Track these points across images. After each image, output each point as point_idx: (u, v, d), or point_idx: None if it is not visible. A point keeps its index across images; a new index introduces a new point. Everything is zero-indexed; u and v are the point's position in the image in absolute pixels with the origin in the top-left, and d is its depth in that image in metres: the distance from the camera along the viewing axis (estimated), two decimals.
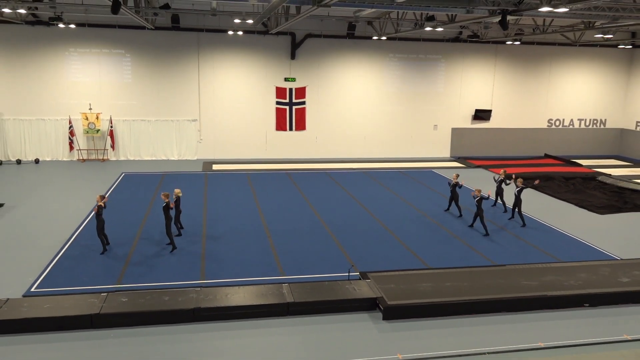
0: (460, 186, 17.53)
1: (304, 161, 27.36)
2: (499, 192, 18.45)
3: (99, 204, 13.10)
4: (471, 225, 16.41)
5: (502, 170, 18.92)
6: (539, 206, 19.42)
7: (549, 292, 11.35)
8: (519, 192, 16.72)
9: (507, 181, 17.93)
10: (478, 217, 15.91)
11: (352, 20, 25.60)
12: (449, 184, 17.87)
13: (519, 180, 17.00)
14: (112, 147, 26.06)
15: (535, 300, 11.15)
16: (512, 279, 12.02)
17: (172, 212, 14.04)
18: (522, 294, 11.25)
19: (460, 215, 17.60)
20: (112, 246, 13.83)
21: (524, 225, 16.70)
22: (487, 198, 15.91)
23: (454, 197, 17.71)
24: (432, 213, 18.12)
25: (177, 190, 14.82)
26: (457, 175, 17.88)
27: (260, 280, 11.91)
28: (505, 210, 18.28)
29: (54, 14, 22.54)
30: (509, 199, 18.35)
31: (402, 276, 12.00)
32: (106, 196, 14.18)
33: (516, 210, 16.99)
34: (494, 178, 19.03)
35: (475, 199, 15.71)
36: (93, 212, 13.45)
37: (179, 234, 14.81)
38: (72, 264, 12.61)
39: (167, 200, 13.43)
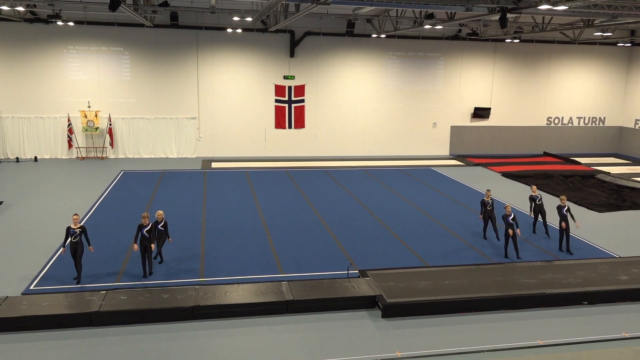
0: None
1: (303, 159, 27.34)
2: (541, 212, 15.53)
3: (82, 226, 11.56)
4: (506, 255, 13.75)
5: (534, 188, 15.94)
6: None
7: (548, 290, 11.36)
8: (567, 211, 14.13)
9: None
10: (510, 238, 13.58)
11: (351, 18, 25.57)
12: (486, 204, 14.94)
13: (562, 198, 14.42)
14: (111, 145, 26.03)
15: (534, 298, 11.15)
16: (511, 277, 12.03)
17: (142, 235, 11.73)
18: (521, 292, 11.25)
19: (498, 238, 14.69)
20: (111, 244, 13.81)
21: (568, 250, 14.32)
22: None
23: (491, 218, 14.89)
24: (431, 211, 18.12)
25: (159, 213, 12.40)
26: (490, 192, 15.28)
27: (260, 278, 11.90)
28: (547, 233, 15.52)
29: (52, 12, 22.49)
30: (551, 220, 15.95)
31: (401, 274, 12.01)
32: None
33: (564, 231, 14.26)
34: (532, 198, 15.60)
35: (509, 217, 13.39)
36: (74, 238, 11.37)
37: (161, 261, 12.72)
38: (71, 262, 12.55)
39: (148, 222, 11.66)
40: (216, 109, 27.00)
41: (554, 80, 30.85)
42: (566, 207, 14.20)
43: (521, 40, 28.91)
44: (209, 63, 26.54)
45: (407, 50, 28.65)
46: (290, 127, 27.99)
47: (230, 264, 12.81)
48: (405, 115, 29.28)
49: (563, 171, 25.18)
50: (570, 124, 31.66)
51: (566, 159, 28.68)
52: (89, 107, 25.36)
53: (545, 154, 30.66)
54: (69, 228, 11.51)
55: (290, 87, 27.60)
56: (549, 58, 30.41)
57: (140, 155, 26.58)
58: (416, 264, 13.12)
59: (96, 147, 26.03)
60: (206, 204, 18.23)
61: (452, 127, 29.98)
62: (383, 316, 10.48)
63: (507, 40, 28.75)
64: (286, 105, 27.75)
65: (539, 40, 29.69)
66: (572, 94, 31.25)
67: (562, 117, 31.48)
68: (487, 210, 14.92)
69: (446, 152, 30.14)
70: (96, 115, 25.22)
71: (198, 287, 11.01)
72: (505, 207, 13.75)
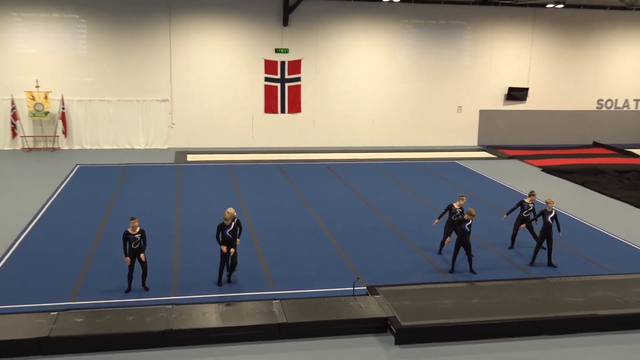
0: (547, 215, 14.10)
1: (299, 151, 27.37)
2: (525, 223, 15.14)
3: (141, 229, 11.81)
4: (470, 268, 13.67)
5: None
6: (584, 205, 19.42)
7: (599, 311, 11.35)
8: (554, 218, 13.96)
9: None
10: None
11: None
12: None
13: (549, 201, 14.09)
14: (64, 133, 26.05)
15: (581, 321, 11.15)
16: (552, 295, 12.02)
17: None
18: (565, 314, 11.25)
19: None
20: (66, 255, 13.77)
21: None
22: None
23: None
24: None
25: (229, 211, 12.89)
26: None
27: (246, 296, 11.90)
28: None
29: None
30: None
31: (418, 291, 12.01)
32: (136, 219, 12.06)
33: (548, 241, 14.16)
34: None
35: (466, 223, 13.34)
36: (134, 245, 11.68)
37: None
38: (15, 277, 12.57)
39: (230, 222, 12.65)
40: (193, 90, 27.00)
41: (606, 55, 30.84)
42: (552, 214, 13.88)
43: (566, 6, 28.88)
44: (184, 33, 26.52)
45: (426, 18, 28.63)
46: (283, 111, 28.01)
47: (209, 278, 12.79)
48: (423, 97, 29.28)
49: (617, 165, 25.20)
50: (626, 108, 31.68)
51: (620, 151, 28.70)
52: (37, 87, 25.33)
53: (595, 145, 30.68)
54: (127, 233, 11.68)
55: (283, 63, 27.59)
56: (600, 27, 30.38)
57: (99, 146, 26.59)
58: (437, 279, 13.12)
59: (46, 136, 26.03)
60: (180, 205, 18.22)
61: (481, 111, 30.01)
62: (397, 342, 10.48)
63: (548, 6, 28.72)
64: (278, 85, 27.75)
65: (588, 6, 29.65)
66: (628, 71, 31.25)
67: (616, 100, 31.49)
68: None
69: (474, 142, 30.18)
70: (46, 97, 25.21)
71: (170, 307, 11.00)
72: (469, 211, 13.40)
